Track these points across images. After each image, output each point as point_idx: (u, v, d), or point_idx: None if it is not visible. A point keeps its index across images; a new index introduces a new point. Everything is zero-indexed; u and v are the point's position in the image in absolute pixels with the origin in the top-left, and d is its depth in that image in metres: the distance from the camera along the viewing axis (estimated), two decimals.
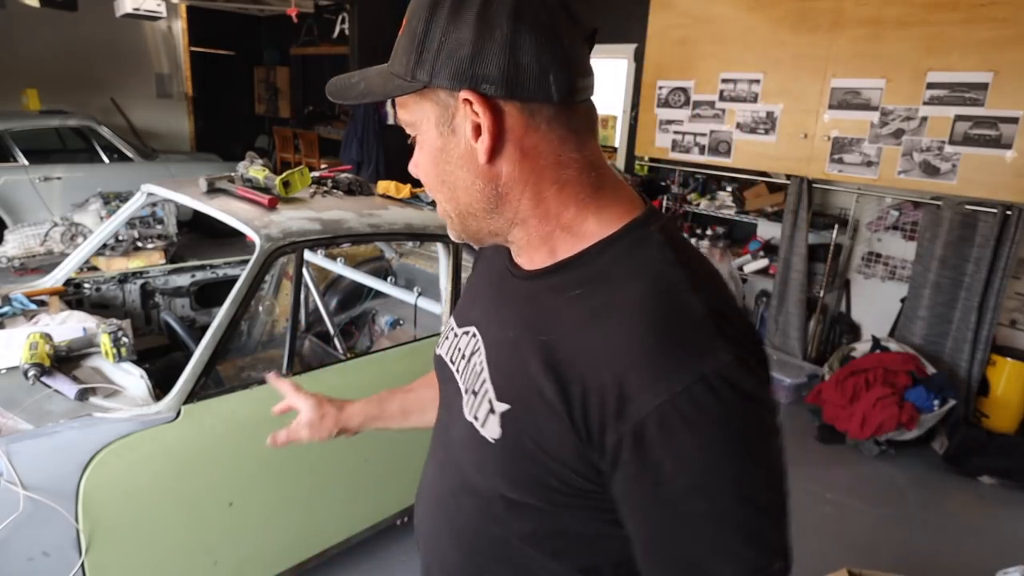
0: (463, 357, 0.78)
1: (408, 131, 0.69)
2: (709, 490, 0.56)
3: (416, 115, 0.67)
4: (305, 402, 1.02)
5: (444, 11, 0.61)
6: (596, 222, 0.67)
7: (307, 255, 2.74)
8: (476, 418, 0.71)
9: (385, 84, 0.67)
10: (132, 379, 1.86)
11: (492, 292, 0.79)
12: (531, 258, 0.71)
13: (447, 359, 0.82)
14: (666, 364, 0.56)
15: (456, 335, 0.82)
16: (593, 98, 0.68)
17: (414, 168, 0.71)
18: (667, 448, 0.56)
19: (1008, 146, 3.31)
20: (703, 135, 4.50)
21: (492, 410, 0.69)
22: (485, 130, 0.62)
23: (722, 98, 4.36)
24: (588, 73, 0.65)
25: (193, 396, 1.75)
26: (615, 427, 0.57)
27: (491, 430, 0.68)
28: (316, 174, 2.58)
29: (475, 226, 0.70)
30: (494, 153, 0.64)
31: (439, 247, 2.42)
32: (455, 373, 0.79)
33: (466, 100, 0.62)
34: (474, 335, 0.77)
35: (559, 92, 0.62)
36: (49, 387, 1.77)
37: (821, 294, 4.26)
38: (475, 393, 0.72)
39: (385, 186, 2.73)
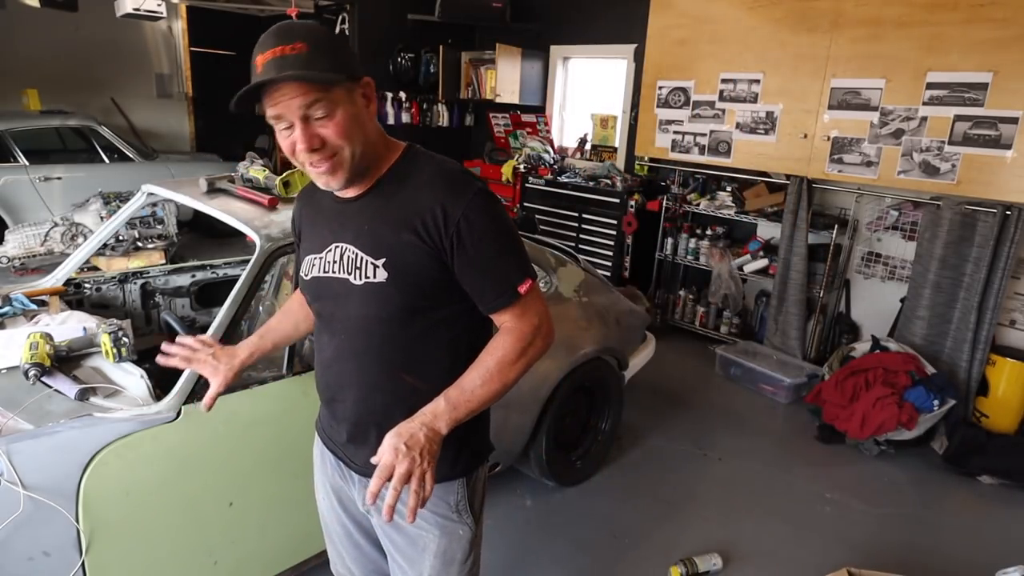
0: (335, 261, 1.20)
1: (313, 114, 1.06)
2: (500, 234, 1.16)
3: (331, 98, 1.07)
4: (204, 364, 1.39)
5: (343, 44, 1.16)
6: (391, 154, 1.20)
7: None
8: (368, 277, 1.15)
9: (324, 75, 1.06)
10: (132, 379, 1.86)
11: (333, 219, 1.23)
12: (357, 188, 1.18)
13: (320, 274, 1.23)
14: (459, 191, 1.13)
15: (321, 257, 1.23)
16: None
17: (331, 130, 1.08)
18: (476, 222, 1.12)
19: (1008, 146, 3.31)
20: (703, 135, 4.50)
21: (376, 266, 1.15)
22: (373, 101, 1.16)
23: (722, 98, 4.36)
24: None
25: (193, 396, 1.75)
26: (446, 230, 1.11)
27: (381, 275, 1.15)
28: None
29: (364, 163, 1.14)
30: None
31: None
32: (335, 273, 1.20)
33: (364, 84, 1.14)
34: (336, 246, 1.21)
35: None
36: (49, 387, 1.77)
37: (821, 294, 4.26)
38: (358, 268, 1.17)
39: None
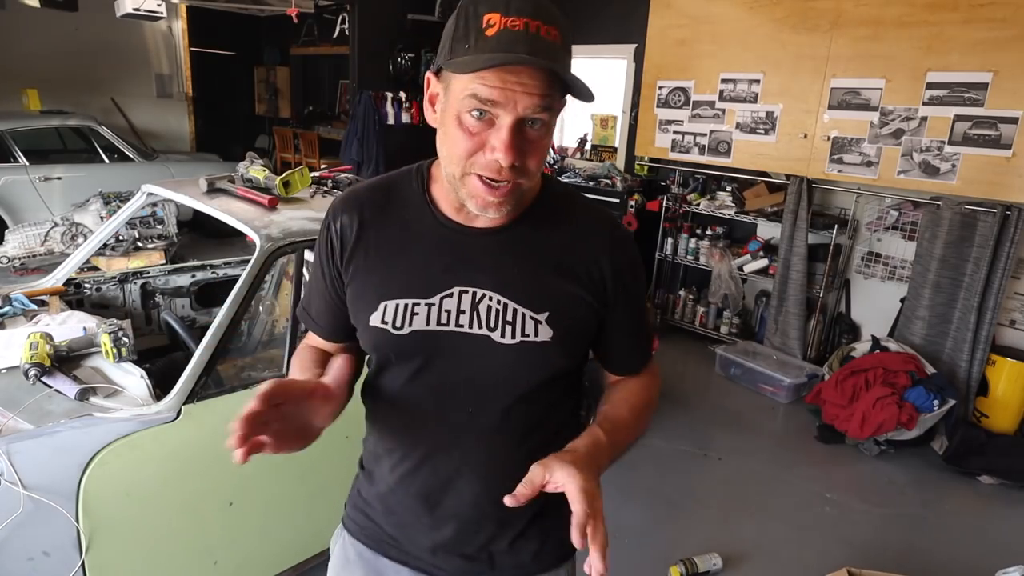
0: (463, 312, 0.92)
1: (532, 121, 0.82)
2: (644, 291, 1.08)
3: (553, 114, 0.84)
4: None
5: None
6: (537, 182, 0.97)
7: (307, 255, 2.74)
8: (527, 335, 0.92)
9: (584, 88, 0.83)
10: (132, 379, 1.86)
11: (449, 252, 0.94)
12: (497, 217, 0.90)
13: (432, 327, 0.92)
14: (621, 238, 1.00)
15: (432, 304, 0.93)
16: None
17: (538, 153, 0.86)
18: (638, 275, 1.02)
19: (1008, 146, 3.31)
20: (703, 135, 4.50)
21: (539, 321, 0.92)
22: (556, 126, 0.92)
23: (722, 98, 4.36)
24: None
25: (193, 396, 1.75)
26: (614, 283, 0.97)
27: (545, 334, 0.92)
28: (316, 174, 2.58)
29: (529, 196, 0.94)
30: None
31: None
32: (464, 328, 0.92)
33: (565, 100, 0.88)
34: (463, 291, 0.93)
35: None
36: (49, 387, 1.77)
37: (821, 294, 4.26)
38: (510, 323, 0.92)
39: None
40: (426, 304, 0.92)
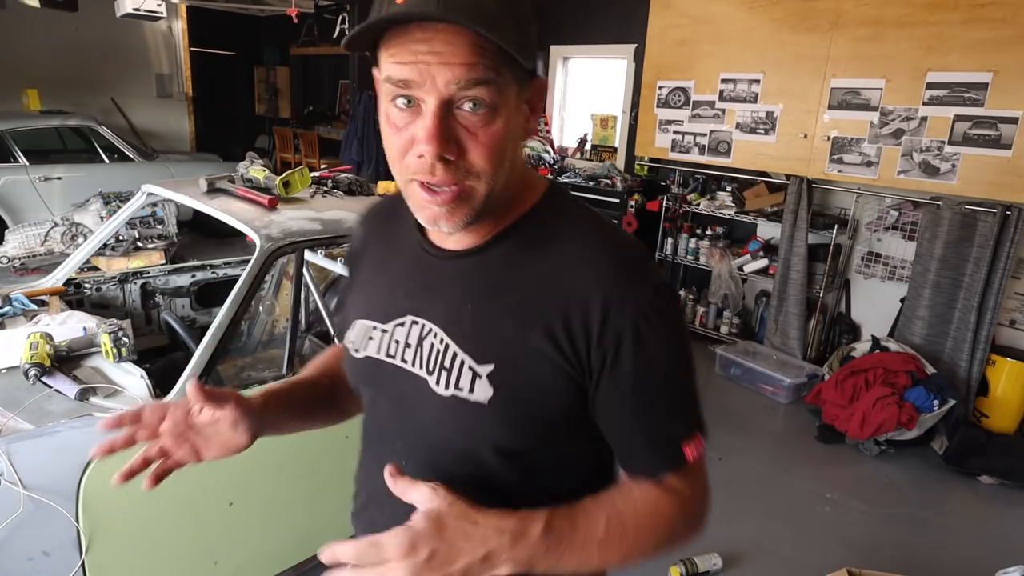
0: (409, 346, 0.78)
1: (473, 103, 0.64)
2: (677, 362, 0.74)
3: (504, 91, 0.66)
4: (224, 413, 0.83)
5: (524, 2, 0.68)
6: (528, 194, 0.77)
7: (307, 255, 2.74)
8: (460, 388, 0.73)
9: (526, 44, 0.66)
10: (132, 379, 1.86)
11: (414, 275, 0.80)
12: (464, 236, 0.75)
13: (381, 356, 0.80)
14: (632, 279, 0.71)
15: (386, 330, 0.81)
16: None
17: (483, 142, 0.66)
18: (649, 337, 0.70)
19: (1008, 146, 3.31)
20: (703, 135, 4.50)
21: (477, 375, 0.72)
22: (540, 112, 0.74)
23: (722, 98, 4.36)
24: None
25: None
26: (600, 340, 0.69)
27: (481, 392, 0.72)
28: (316, 174, 2.58)
29: (494, 203, 0.71)
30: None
31: None
32: (404, 363, 0.78)
33: (539, 83, 0.72)
34: (414, 322, 0.78)
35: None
36: (49, 387, 1.77)
37: (821, 294, 4.26)
38: (446, 369, 0.74)
39: (385, 186, 2.73)
40: (380, 330, 0.81)
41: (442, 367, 0.74)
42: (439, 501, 0.64)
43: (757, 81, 4.16)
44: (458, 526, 0.64)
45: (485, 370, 0.72)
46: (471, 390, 0.72)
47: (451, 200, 0.67)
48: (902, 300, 4.00)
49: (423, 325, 0.77)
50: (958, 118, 3.44)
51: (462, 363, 0.73)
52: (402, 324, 0.79)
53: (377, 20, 0.62)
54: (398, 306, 0.81)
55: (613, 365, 0.70)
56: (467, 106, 0.64)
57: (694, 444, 0.76)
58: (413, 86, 0.63)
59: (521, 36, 0.64)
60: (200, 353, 1.78)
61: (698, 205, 4.85)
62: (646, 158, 5.08)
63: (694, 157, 4.59)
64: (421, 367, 0.77)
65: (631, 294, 0.69)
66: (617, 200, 4.92)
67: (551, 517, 0.67)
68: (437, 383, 0.75)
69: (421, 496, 0.65)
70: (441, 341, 0.75)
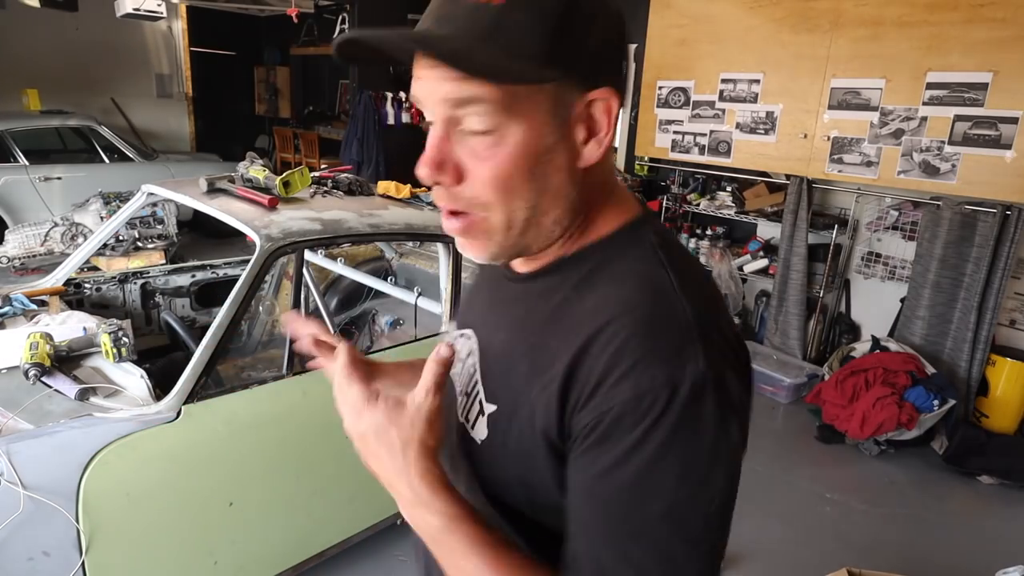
0: (460, 359, 0.75)
1: (474, 121, 0.57)
2: (644, 488, 0.54)
3: (518, 108, 0.56)
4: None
5: None
6: (602, 223, 0.65)
7: (307, 255, 2.75)
8: (467, 420, 0.69)
9: (493, 60, 0.55)
10: (132, 379, 1.86)
11: (488, 294, 0.77)
12: (532, 260, 0.68)
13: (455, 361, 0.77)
14: (661, 351, 0.55)
15: (455, 337, 0.78)
16: None
17: (487, 168, 0.58)
18: (649, 433, 0.54)
19: (1008, 146, 3.31)
20: (703, 135, 4.49)
21: (482, 411, 0.67)
22: (605, 131, 0.59)
23: (722, 98, 4.36)
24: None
25: (193, 396, 1.75)
26: (582, 405, 0.57)
27: (479, 431, 0.67)
28: (316, 174, 2.58)
29: (531, 237, 0.63)
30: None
31: (439, 247, 2.43)
32: (452, 372, 0.74)
33: (597, 98, 0.58)
34: (469, 337, 0.75)
35: (624, 94, 0.60)
36: (49, 387, 1.77)
37: (821, 294, 4.26)
38: (468, 395, 0.70)
39: (385, 186, 2.73)
40: (457, 334, 0.79)
41: (465, 392, 0.71)
42: (420, 412, 0.61)
43: (757, 81, 4.16)
44: (394, 437, 0.60)
45: (489, 409, 0.66)
46: (474, 426, 0.68)
47: (463, 231, 0.62)
48: (902, 300, 4.00)
49: (472, 341, 0.74)
50: (958, 118, 3.43)
51: (477, 394, 0.68)
52: (463, 335, 0.77)
53: (343, 38, 0.59)
54: (466, 316, 0.79)
55: (583, 441, 0.57)
56: (468, 127, 0.57)
57: None
58: (421, 104, 0.60)
59: (548, 31, 0.54)
60: (200, 353, 1.78)
61: (698, 205, 4.85)
62: (646, 158, 5.08)
63: (694, 157, 4.59)
64: (458, 382, 0.74)
65: (648, 367, 0.54)
66: None
67: (448, 521, 0.60)
68: (460, 405, 0.72)
69: (423, 390, 0.61)
70: (473, 364, 0.71)
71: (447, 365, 0.62)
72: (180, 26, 7.98)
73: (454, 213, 0.62)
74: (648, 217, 0.67)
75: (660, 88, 4.66)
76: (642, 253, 0.62)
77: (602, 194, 0.65)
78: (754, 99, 4.20)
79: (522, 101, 0.56)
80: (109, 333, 1.90)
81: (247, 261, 2.46)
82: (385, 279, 2.98)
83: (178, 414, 1.73)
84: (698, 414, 0.54)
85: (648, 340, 0.56)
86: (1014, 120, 3.27)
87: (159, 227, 5.09)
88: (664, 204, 4.89)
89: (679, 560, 0.55)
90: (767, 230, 4.69)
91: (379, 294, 3.00)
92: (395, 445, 0.60)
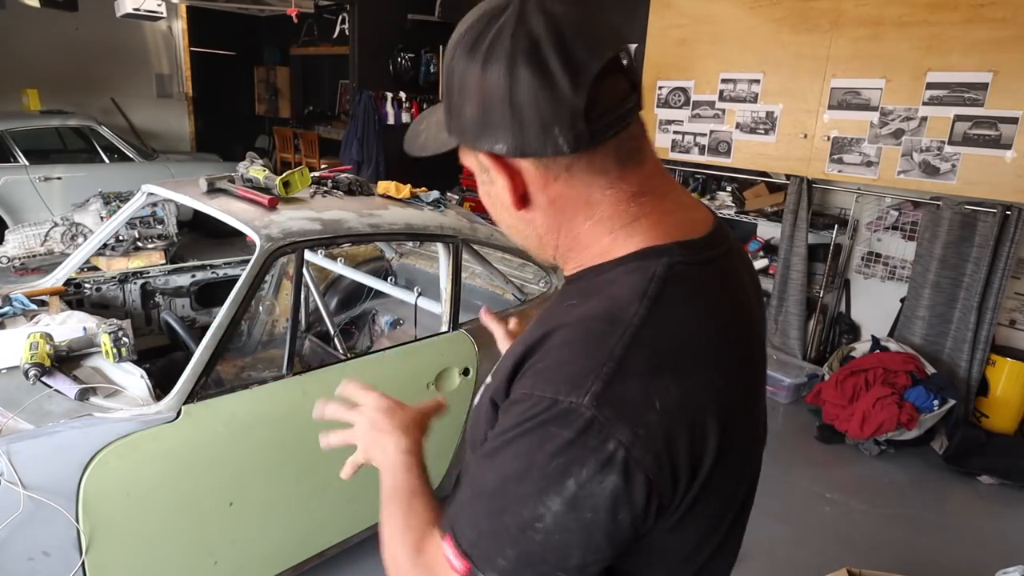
0: None
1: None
2: (488, 464, 0.63)
3: (471, 164, 0.71)
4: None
5: (456, 72, 0.64)
6: (620, 246, 0.68)
7: (307, 255, 2.74)
8: (473, 404, 0.83)
9: (436, 137, 0.71)
10: (132, 379, 1.86)
11: None
12: (567, 269, 0.76)
13: None
14: (551, 371, 0.61)
15: None
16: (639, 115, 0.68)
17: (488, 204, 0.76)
18: (505, 419, 0.62)
19: (1008, 146, 3.31)
20: (703, 135, 4.49)
21: (487, 384, 0.79)
22: (504, 188, 0.67)
23: (722, 98, 4.36)
24: (613, 105, 0.63)
25: (193, 396, 1.75)
26: (514, 390, 0.65)
27: (478, 398, 0.79)
28: (316, 174, 2.58)
29: (535, 254, 0.76)
30: (522, 203, 0.68)
31: (439, 247, 2.42)
32: None
33: (488, 158, 0.66)
34: None
35: (569, 144, 0.62)
36: (49, 387, 1.77)
37: (821, 294, 4.26)
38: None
39: (385, 186, 2.73)
40: None
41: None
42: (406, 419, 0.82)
43: (757, 81, 4.16)
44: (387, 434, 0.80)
45: (487, 381, 0.76)
46: (476, 393, 0.81)
47: None
48: (902, 300, 4.00)
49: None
50: (958, 118, 3.43)
51: (485, 382, 0.79)
52: None
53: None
54: None
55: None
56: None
57: (448, 543, 0.63)
58: None
59: (449, 112, 0.68)
60: (200, 353, 1.78)
61: None
62: None
63: (694, 157, 4.59)
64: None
65: (546, 373, 0.61)
66: None
67: (409, 465, 0.77)
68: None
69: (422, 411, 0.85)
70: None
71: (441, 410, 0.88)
72: (180, 26, 7.98)
73: None
74: (678, 249, 0.66)
75: (660, 88, 4.66)
76: (636, 281, 0.64)
77: (620, 222, 0.68)
78: (754, 99, 4.20)
79: (470, 162, 0.70)
80: (109, 333, 1.90)
81: (247, 261, 2.46)
82: (385, 279, 2.99)
83: (178, 414, 1.73)
84: (554, 435, 0.57)
85: (569, 354, 0.61)
86: (1014, 120, 3.27)
87: (159, 227, 5.10)
88: None
89: (484, 536, 0.61)
90: (767, 230, 4.69)
91: (379, 294, 3.00)
92: (396, 418, 0.81)
